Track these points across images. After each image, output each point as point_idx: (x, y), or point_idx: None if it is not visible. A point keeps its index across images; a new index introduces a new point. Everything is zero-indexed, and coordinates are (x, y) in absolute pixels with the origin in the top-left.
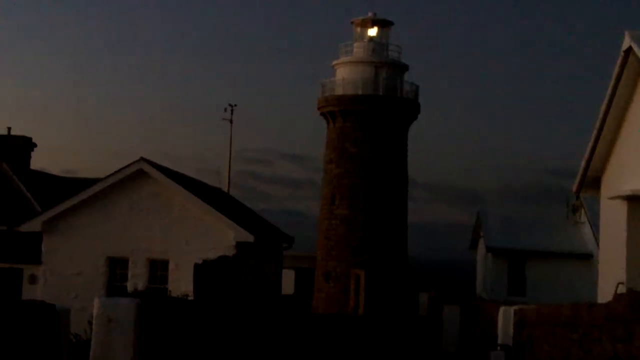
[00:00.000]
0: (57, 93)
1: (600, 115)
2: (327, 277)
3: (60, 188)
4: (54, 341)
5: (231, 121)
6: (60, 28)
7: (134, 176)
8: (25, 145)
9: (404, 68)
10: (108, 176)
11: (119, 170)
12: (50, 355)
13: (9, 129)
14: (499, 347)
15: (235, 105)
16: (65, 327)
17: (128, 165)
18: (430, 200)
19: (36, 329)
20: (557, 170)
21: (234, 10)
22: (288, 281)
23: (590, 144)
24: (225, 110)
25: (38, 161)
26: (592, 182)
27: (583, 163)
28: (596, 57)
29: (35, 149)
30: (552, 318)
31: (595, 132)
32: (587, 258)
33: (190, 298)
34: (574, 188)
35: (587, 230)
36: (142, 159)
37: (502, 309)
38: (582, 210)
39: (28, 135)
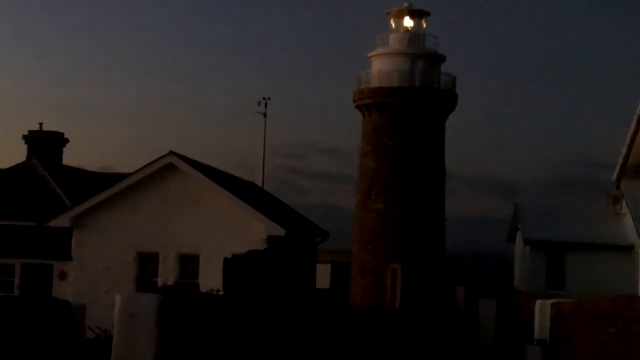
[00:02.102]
0: (92, 89)
1: None
2: (363, 271)
3: (93, 183)
4: (67, 337)
5: (265, 115)
6: (91, 23)
7: (164, 170)
8: (57, 140)
9: (441, 59)
10: (137, 170)
11: (148, 165)
12: (64, 351)
13: (41, 124)
14: (535, 342)
15: (270, 98)
16: (80, 323)
17: (157, 159)
18: (467, 193)
19: (49, 325)
20: (596, 163)
21: (267, 2)
22: (324, 275)
23: (631, 132)
24: (259, 103)
25: (74, 157)
26: (634, 170)
27: (623, 151)
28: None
29: (70, 145)
30: (590, 311)
31: (635, 119)
32: (629, 250)
33: (221, 293)
34: (614, 177)
35: (628, 221)
36: (172, 152)
37: (538, 302)
38: (623, 201)
39: (61, 131)
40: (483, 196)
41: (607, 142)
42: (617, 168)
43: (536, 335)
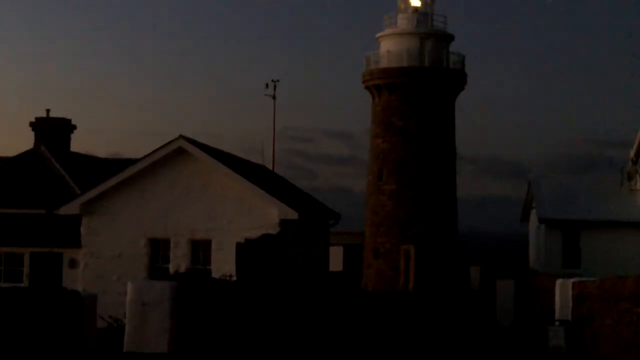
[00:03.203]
0: (100, 76)
1: None
2: (376, 254)
3: (102, 170)
4: (78, 329)
5: (274, 97)
6: (100, 9)
7: (174, 155)
8: (65, 127)
9: (450, 38)
10: (146, 155)
11: (158, 149)
12: (75, 341)
13: (48, 111)
14: (557, 322)
15: (278, 80)
16: (91, 313)
17: (167, 144)
18: (478, 173)
19: (59, 316)
20: (605, 141)
21: None
22: (336, 258)
23: None
24: (267, 86)
25: (83, 144)
26: None
27: None
28: None
29: (78, 131)
30: (615, 291)
31: None
32: None
33: (234, 278)
34: (631, 154)
35: None
36: (182, 136)
37: (559, 282)
38: (637, 177)
39: (69, 117)
40: (494, 177)
41: (617, 120)
42: (636, 145)
43: (557, 316)
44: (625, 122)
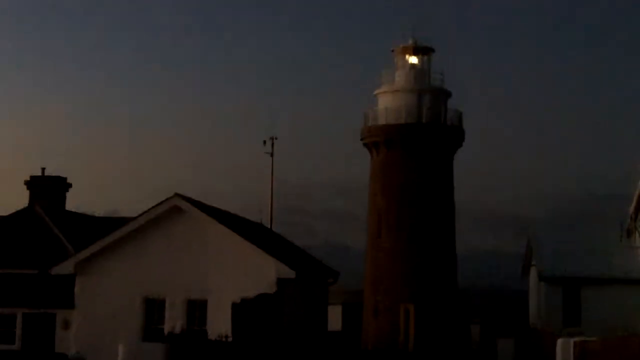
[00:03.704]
0: (93, 133)
1: None
2: (376, 312)
3: (97, 229)
4: None
5: (272, 154)
6: (92, 64)
7: (169, 213)
8: (60, 185)
9: (447, 94)
10: (142, 214)
11: (153, 208)
12: None
13: (43, 169)
14: None
15: (276, 138)
16: None
17: (162, 202)
18: (477, 229)
19: None
20: (604, 196)
21: (272, 41)
22: (335, 317)
23: None
24: (265, 143)
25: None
26: None
27: None
28: None
29: (73, 189)
30: (619, 350)
31: None
32: None
33: (230, 339)
34: (630, 210)
35: None
36: (177, 194)
37: (560, 341)
38: (637, 234)
39: (64, 175)
40: (493, 232)
41: (615, 174)
42: (635, 200)
43: None
44: (625, 176)
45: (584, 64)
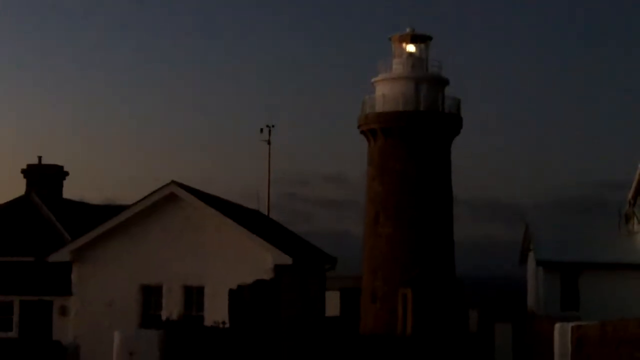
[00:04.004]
0: (93, 120)
1: None
2: (374, 298)
3: (94, 217)
4: None
5: (269, 142)
6: (92, 52)
7: (166, 200)
8: (57, 174)
9: (445, 82)
10: (138, 201)
11: (149, 195)
12: None
13: (40, 157)
14: None
15: (273, 126)
16: None
17: (159, 189)
18: (475, 217)
19: None
20: (602, 183)
21: (270, 29)
22: (333, 303)
23: None
24: (262, 131)
25: (77, 191)
26: None
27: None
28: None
29: (73, 180)
30: (617, 335)
31: None
32: None
33: (227, 326)
34: (629, 195)
35: None
36: (174, 182)
37: (557, 326)
38: (635, 220)
39: (61, 164)
40: (490, 220)
41: (614, 161)
42: (634, 186)
43: None
44: (622, 164)
45: (585, 54)
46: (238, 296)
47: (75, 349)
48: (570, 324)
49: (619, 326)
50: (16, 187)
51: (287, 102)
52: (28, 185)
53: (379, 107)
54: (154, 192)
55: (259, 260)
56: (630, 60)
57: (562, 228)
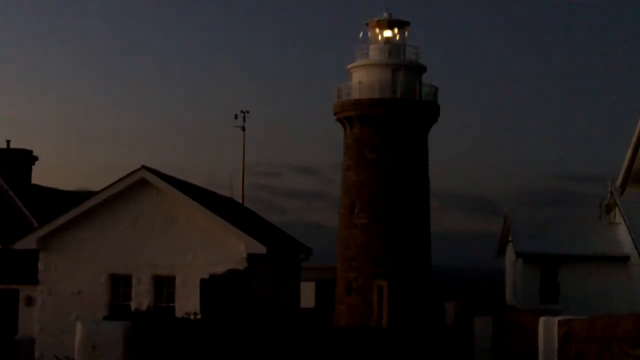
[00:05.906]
0: (65, 108)
1: None
2: (349, 289)
3: (64, 203)
4: None
5: (244, 128)
6: (65, 39)
7: (136, 186)
8: (26, 159)
9: (422, 69)
10: (107, 187)
11: (119, 181)
12: None
13: (8, 142)
14: None
15: (248, 112)
16: (28, 358)
17: (128, 175)
18: (452, 208)
19: None
20: (576, 175)
21: (245, 15)
22: (308, 294)
23: (635, 137)
24: (237, 117)
25: (47, 179)
26: (633, 179)
27: (628, 154)
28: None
29: (44, 165)
30: (608, 331)
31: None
32: (624, 260)
33: (198, 317)
34: (619, 182)
35: (622, 231)
36: (144, 167)
37: (542, 320)
38: (616, 210)
39: (30, 149)
40: (467, 212)
41: (588, 155)
42: (622, 172)
43: (541, 358)
44: (596, 157)
45: (565, 43)
46: (210, 286)
47: (30, 342)
48: (557, 318)
49: (611, 322)
50: None
51: (261, 90)
52: None
53: (355, 95)
54: (124, 177)
55: (232, 250)
56: (604, 52)
57: (541, 220)
